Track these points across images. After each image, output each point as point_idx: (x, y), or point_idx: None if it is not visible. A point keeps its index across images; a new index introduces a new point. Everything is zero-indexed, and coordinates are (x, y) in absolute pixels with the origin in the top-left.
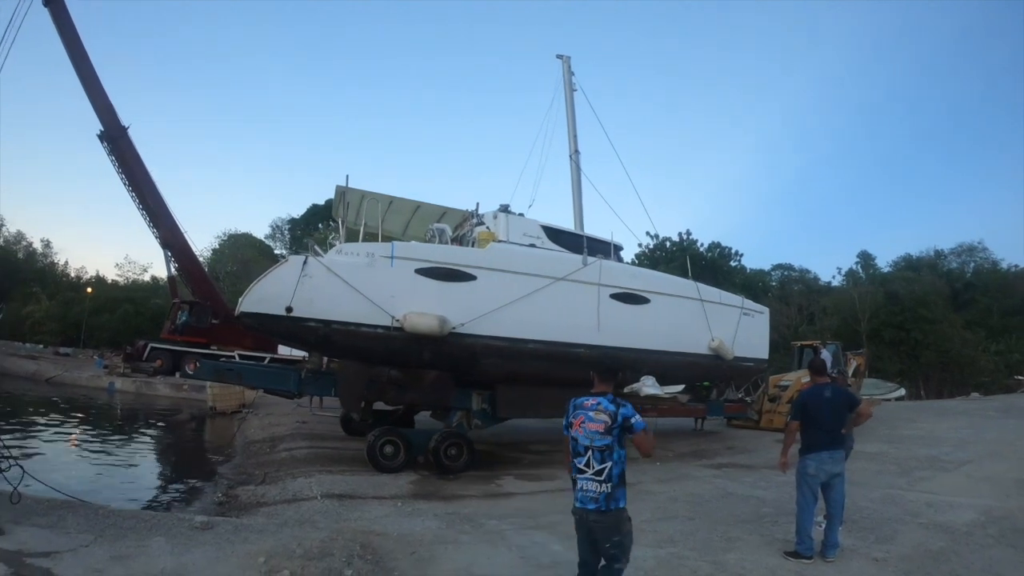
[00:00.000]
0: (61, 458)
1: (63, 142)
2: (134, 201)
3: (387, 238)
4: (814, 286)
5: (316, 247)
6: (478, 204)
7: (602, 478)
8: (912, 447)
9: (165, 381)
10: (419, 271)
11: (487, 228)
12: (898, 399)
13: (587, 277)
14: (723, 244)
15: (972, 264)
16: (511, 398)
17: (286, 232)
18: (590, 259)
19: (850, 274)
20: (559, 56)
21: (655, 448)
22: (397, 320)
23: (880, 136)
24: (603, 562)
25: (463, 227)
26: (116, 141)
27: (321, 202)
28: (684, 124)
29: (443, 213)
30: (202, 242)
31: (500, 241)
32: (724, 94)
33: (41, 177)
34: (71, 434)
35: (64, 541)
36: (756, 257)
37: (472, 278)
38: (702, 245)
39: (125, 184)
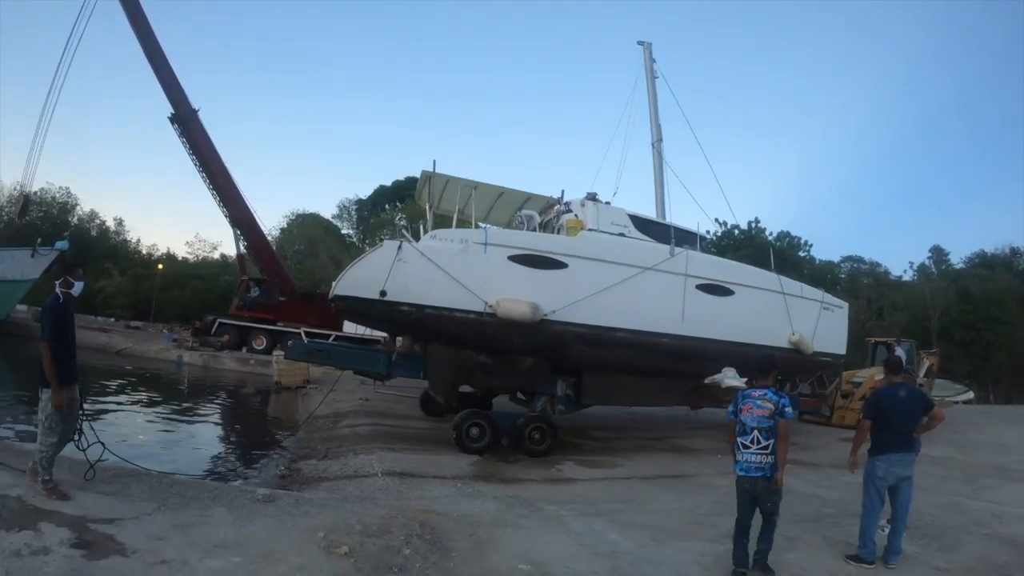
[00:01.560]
0: (128, 428)
1: (136, 123)
2: (204, 181)
3: (467, 223)
4: (884, 280)
5: (405, 232)
6: (563, 191)
7: (767, 452)
8: (979, 453)
9: (232, 355)
10: (512, 258)
11: (575, 216)
12: (966, 402)
13: (674, 267)
14: (792, 233)
15: None
16: (596, 385)
17: (353, 212)
18: (677, 249)
19: (921, 269)
20: (640, 43)
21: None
22: (490, 306)
23: (959, 127)
24: (764, 519)
25: (548, 214)
26: (186, 124)
27: (388, 183)
28: (756, 111)
29: (527, 199)
30: (270, 221)
31: (590, 230)
32: (797, 82)
33: (114, 158)
34: (138, 405)
35: (128, 508)
36: (826, 248)
37: (563, 266)
38: (771, 234)
39: (196, 165)
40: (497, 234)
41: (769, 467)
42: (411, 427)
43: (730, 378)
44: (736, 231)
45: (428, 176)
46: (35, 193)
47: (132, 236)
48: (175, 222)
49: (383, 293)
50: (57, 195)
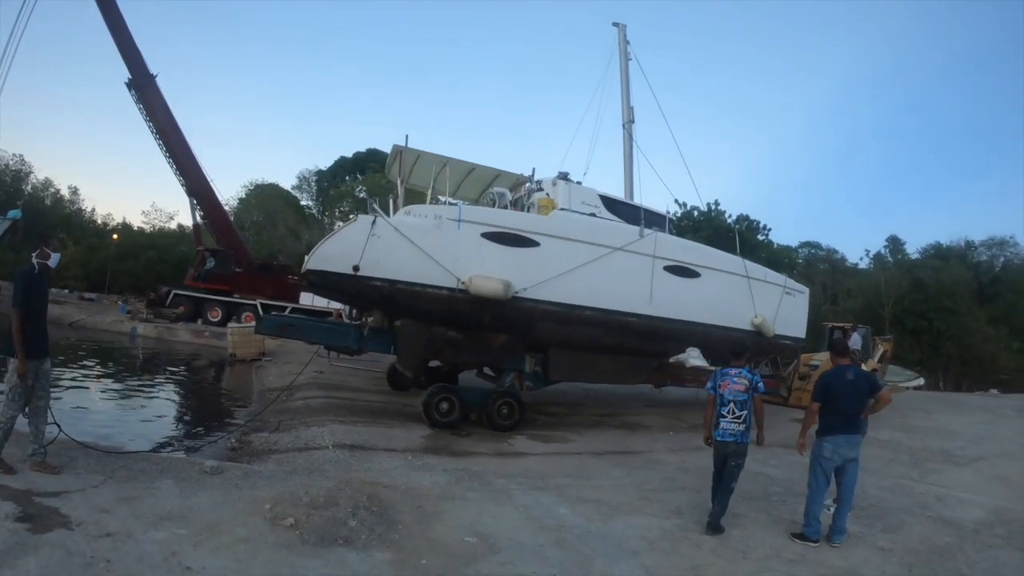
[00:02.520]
0: (80, 401)
1: (92, 89)
2: (161, 149)
3: (437, 199)
4: (840, 267)
5: (377, 207)
6: (534, 169)
7: (740, 420)
8: (926, 438)
9: (187, 327)
10: (485, 235)
11: (546, 195)
12: (916, 388)
13: (643, 248)
14: (751, 217)
15: (1002, 258)
16: (563, 362)
17: (313, 184)
18: (647, 231)
19: (877, 257)
20: (615, 24)
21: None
22: (462, 282)
23: (921, 122)
24: (724, 482)
25: (518, 191)
26: (143, 89)
27: (349, 154)
28: (720, 94)
29: (496, 176)
30: (228, 191)
31: (561, 209)
32: (764, 69)
33: (70, 124)
34: (91, 378)
35: (74, 481)
36: (784, 233)
37: (535, 244)
38: (730, 217)
39: (153, 132)
40: (471, 211)
41: (740, 434)
42: (364, 400)
43: (694, 358)
44: (696, 212)
45: (399, 150)
46: None
47: (87, 205)
48: (131, 191)
49: (356, 268)
50: (11, 163)
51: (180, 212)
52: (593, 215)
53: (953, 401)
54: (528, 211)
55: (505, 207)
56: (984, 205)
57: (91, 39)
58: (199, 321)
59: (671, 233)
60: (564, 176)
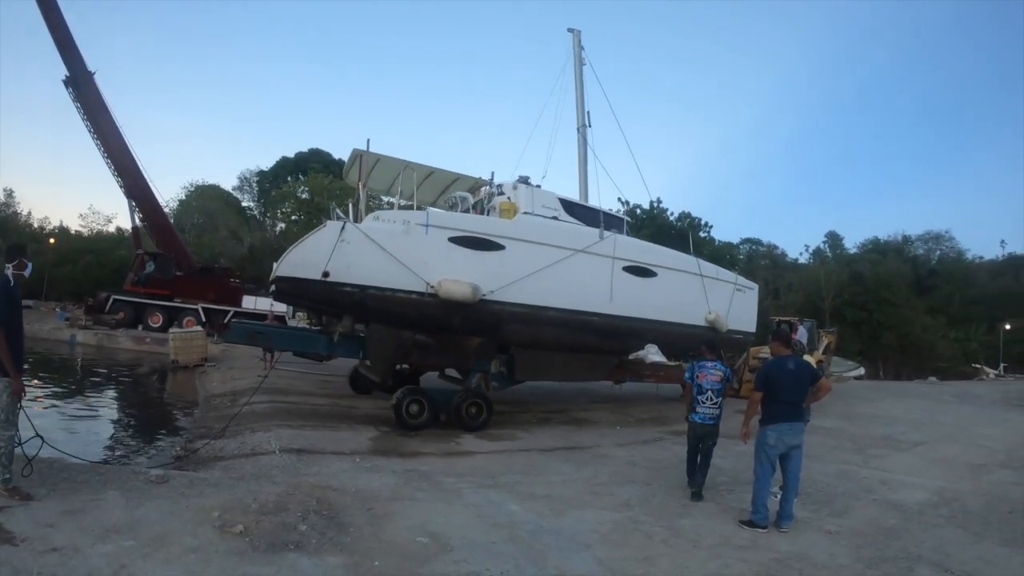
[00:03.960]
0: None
1: (26, 86)
2: (99, 149)
3: (395, 203)
4: (781, 262)
5: (340, 212)
6: (493, 173)
7: (716, 407)
8: (868, 425)
9: (127, 333)
10: (452, 239)
11: (508, 199)
12: (857, 378)
13: (603, 250)
14: (693, 215)
15: (938, 252)
16: (528, 362)
17: (254, 185)
18: (606, 233)
19: (817, 253)
20: (570, 30)
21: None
22: (432, 286)
23: (860, 121)
24: (702, 457)
25: (477, 194)
26: (81, 87)
27: (291, 155)
28: (663, 90)
29: (455, 179)
30: (168, 193)
31: (526, 213)
32: (704, 65)
33: (3, 124)
34: (29, 387)
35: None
36: (726, 230)
37: (501, 247)
38: (672, 214)
39: (90, 131)
40: (438, 216)
41: (716, 418)
42: (310, 403)
43: (653, 354)
44: (639, 211)
45: (359, 154)
46: None
47: (22, 208)
48: (68, 193)
49: (326, 274)
50: None
51: (119, 215)
52: (555, 218)
53: (893, 389)
54: (489, 214)
55: (467, 211)
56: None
57: (24, 35)
58: (140, 327)
59: (628, 235)
60: (525, 180)
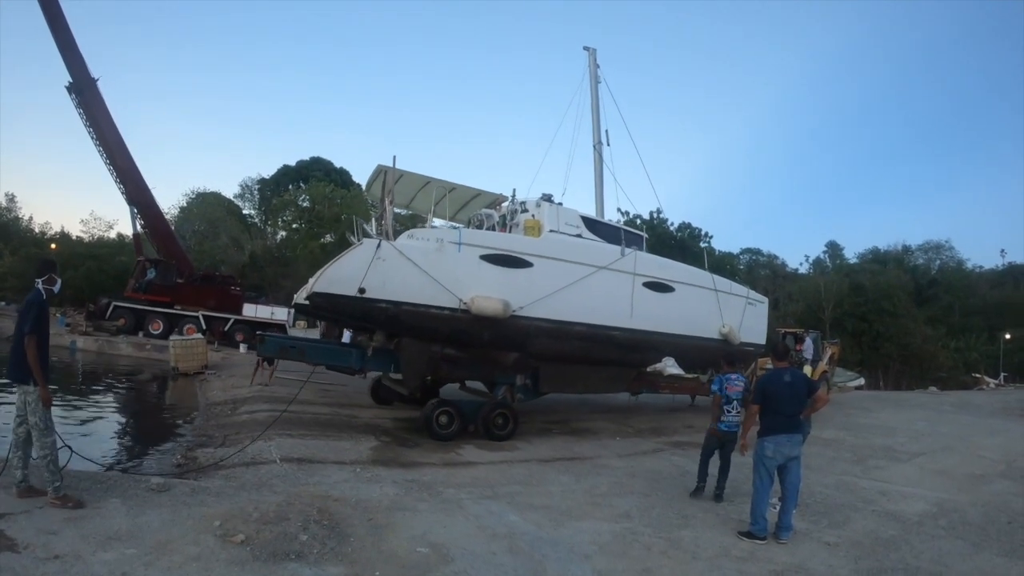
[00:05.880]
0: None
1: (31, 91)
2: (101, 156)
3: (417, 217)
4: (781, 272)
5: (366, 227)
6: (515, 190)
7: (739, 415)
8: (868, 436)
9: (127, 340)
10: (483, 257)
11: (532, 216)
12: (857, 388)
13: (624, 267)
14: (693, 225)
15: (938, 262)
16: (552, 375)
17: (256, 192)
18: (627, 250)
19: (817, 263)
20: (586, 48)
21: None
22: (464, 303)
23: (860, 132)
24: (723, 462)
25: (499, 211)
26: (84, 93)
27: (292, 163)
28: (666, 101)
29: (475, 195)
30: (170, 200)
31: (552, 231)
32: (707, 78)
33: (5, 129)
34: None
35: (17, 502)
36: (725, 240)
37: (529, 265)
38: (672, 224)
39: (93, 138)
40: (470, 235)
41: (737, 425)
42: (311, 413)
43: (671, 367)
44: (639, 221)
45: (383, 170)
46: None
47: (24, 213)
48: (70, 198)
49: (362, 290)
50: None
51: (120, 221)
52: (579, 235)
53: (894, 399)
54: (511, 231)
55: (491, 228)
56: (921, 210)
57: (28, 41)
58: (140, 334)
59: (646, 251)
60: (548, 198)
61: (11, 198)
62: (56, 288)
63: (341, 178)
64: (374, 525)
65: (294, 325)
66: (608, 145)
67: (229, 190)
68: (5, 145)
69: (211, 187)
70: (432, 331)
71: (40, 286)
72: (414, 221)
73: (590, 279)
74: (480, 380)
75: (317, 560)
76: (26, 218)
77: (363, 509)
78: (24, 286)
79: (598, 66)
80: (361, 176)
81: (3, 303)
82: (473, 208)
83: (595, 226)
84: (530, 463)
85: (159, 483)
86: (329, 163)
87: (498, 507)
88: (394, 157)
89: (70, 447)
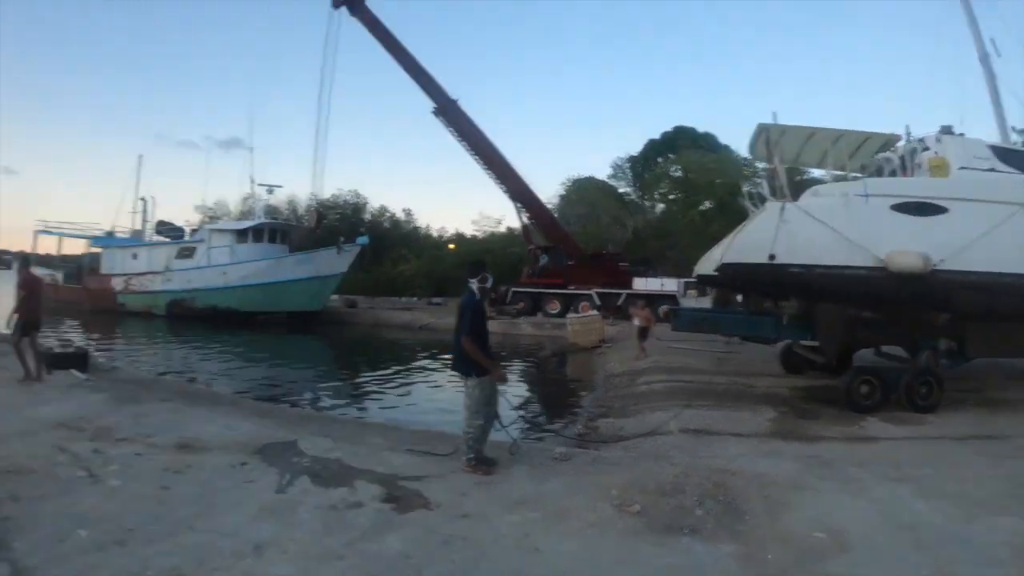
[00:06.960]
0: (434, 396)
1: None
2: (478, 163)
3: (798, 172)
4: None
5: (762, 192)
6: (908, 127)
7: None
8: None
9: (528, 320)
10: (894, 207)
11: (935, 153)
12: None
13: None
14: None
15: None
16: (981, 337)
17: (627, 170)
18: None
19: None
20: None
21: None
22: (880, 260)
23: None
24: None
25: (895, 153)
26: (449, 114)
27: (657, 136)
28: None
29: (865, 139)
30: (549, 190)
31: (962, 168)
32: None
33: (390, 155)
34: (440, 374)
35: (433, 467)
36: None
37: (944, 211)
38: None
39: (467, 149)
40: (875, 184)
41: None
42: (707, 382)
43: None
44: None
45: (764, 128)
46: (327, 200)
47: (421, 222)
48: (458, 204)
49: (772, 256)
50: (348, 198)
51: (506, 216)
52: (993, 169)
53: None
54: (914, 173)
55: (892, 173)
56: None
57: (387, 74)
58: (538, 315)
59: None
60: (948, 130)
61: (408, 212)
62: (488, 285)
63: (708, 143)
64: (770, 503)
65: (685, 294)
66: (999, 56)
67: (601, 172)
68: (394, 169)
69: (584, 172)
70: (847, 293)
71: (475, 286)
72: (791, 176)
73: (1015, 220)
74: (899, 344)
75: (711, 536)
76: (424, 227)
77: (760, 485)
78: (431, 282)
79: None
80: (727, 138)
81: (416, 299)
82: (864, 155)
83: (1008, 156)
84: (940, 440)
85: (562, 452)
86: (692, 130)
87: (903, 491)
88: (774, 113)
89: (505, 428)
